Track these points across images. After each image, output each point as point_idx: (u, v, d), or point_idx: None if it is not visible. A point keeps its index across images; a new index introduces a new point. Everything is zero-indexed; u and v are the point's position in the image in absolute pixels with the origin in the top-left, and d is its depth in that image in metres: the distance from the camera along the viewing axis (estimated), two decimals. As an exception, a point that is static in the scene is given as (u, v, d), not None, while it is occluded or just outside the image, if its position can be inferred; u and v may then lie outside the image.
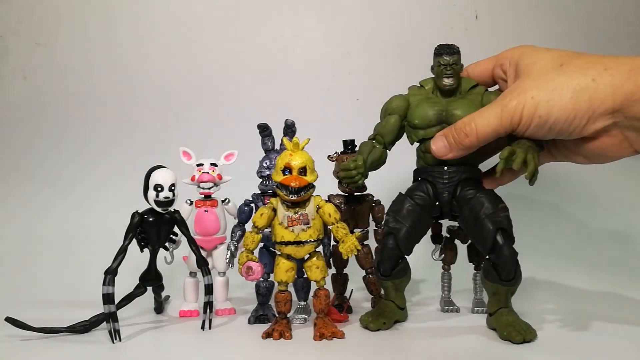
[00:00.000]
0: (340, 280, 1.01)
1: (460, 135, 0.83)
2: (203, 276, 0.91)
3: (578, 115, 0.76)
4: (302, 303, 0.97)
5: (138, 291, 0.93)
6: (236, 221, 0.99)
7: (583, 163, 0.86)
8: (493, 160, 0.87)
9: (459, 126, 0.83)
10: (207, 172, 0.99)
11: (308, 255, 0.87)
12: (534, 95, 0.77)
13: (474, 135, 0.81)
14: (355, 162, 0.86)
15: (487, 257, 0.84)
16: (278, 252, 0.87)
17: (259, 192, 0.98)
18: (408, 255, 0.89)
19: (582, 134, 0.78)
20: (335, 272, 1.01)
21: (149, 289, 0.95)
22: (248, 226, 0.91)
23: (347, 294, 1.00)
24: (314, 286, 0.89)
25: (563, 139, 0.81)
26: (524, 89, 0.78)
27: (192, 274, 1.02)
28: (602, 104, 0.74)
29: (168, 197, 0.88)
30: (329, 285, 0.90)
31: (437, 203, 0.89)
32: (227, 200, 1.03)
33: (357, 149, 0.95)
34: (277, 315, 0.89)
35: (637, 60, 0.75)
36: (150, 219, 0.90)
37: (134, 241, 0.89)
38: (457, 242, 0.99)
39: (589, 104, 0.75)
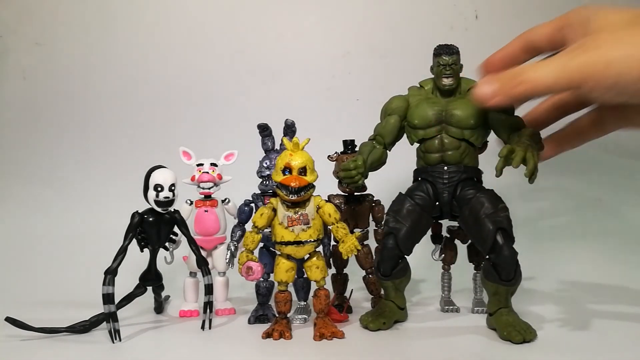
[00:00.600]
0: (340, 280, 1.01)
1: (513, 81, 0.75)
2: (203, 276, 0.91)
3: None
4: (302, 303, 0.97)
5: (138, 291, 0.93)
6: (236, 221, 0.99)
7: None
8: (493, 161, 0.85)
9: (513, 72, 0.76)
10: (207, 172, 0.99)
11: (308, 255, 0.87)
12: (605, 52, 0.69)
13: (529, 84, 0.73)
14: (355, 162, 0.86)
15: (487, 257, 0.84)
16: (278, 252, 0.87)
17: (259, 192, 0.98)
18: (408, 255, 0.89)
19: None
20: (335, 272, 1.01)
21: (149, 289, 0.95)
22: (248, 226, 0.91)
23: (347, 294, 1.00)
24: (314, 286, 0.89)
25: (634, 103, 0.72)
26: (594, 46, 0.70)
27: (192, 274, 1.02)
28: None
29: (168, 197, 0.88)
30: (329, 285, 0.90)
31: (437, 203, 0.89)
32: (227, 200, 1.03)
33: (357, 149, 0.95)
34: (277, 315, 0.89)
35: None
36: (150, 219, 0.90)
37: (134, 241, 0.89)
38: (457, 242, 0.99)
39: None
